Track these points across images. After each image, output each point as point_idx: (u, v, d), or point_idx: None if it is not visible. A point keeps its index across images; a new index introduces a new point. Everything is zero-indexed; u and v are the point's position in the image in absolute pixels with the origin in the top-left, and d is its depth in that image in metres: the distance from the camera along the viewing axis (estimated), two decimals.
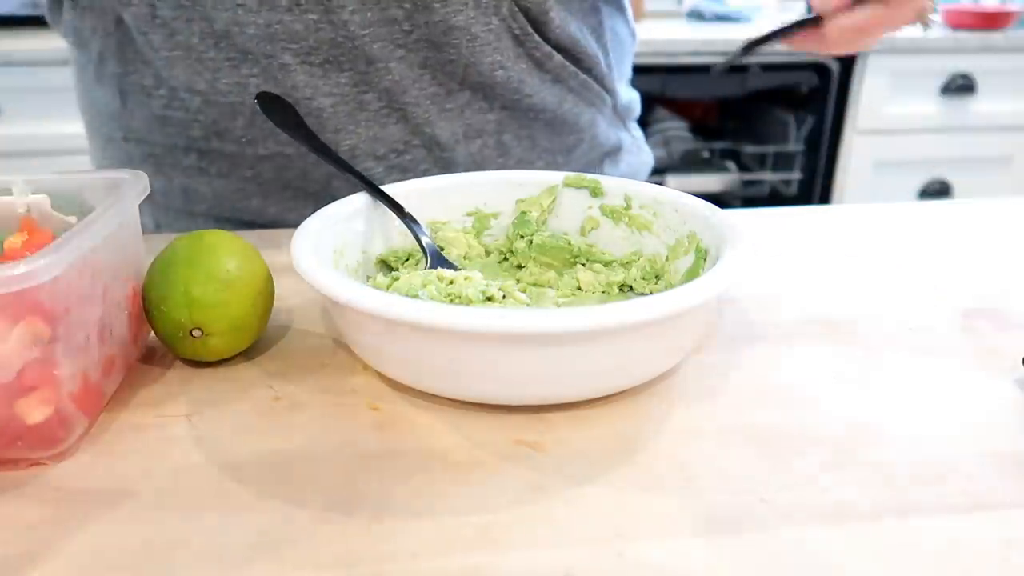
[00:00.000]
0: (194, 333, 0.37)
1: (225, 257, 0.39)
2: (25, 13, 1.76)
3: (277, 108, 0.50)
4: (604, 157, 0.68)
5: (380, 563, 0.28)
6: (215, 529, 0.29)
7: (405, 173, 0.59)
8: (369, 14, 0.52)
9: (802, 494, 0.31)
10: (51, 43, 1.57)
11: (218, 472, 0.32)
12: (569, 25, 0.58)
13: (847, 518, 0.30)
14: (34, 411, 0.31)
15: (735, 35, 1.75)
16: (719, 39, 1.72)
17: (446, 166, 0.60)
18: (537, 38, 0.57)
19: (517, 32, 0.56)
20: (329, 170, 0.58)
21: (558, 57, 0.59)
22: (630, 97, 0.70)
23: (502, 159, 0.61)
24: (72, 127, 1.60)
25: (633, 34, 0.69)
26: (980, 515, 0.30)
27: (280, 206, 0.61)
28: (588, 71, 0.61)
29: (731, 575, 0.28)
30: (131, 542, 0.29)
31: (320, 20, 0.52)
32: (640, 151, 0.72)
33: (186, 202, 0.62)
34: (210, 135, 0.58)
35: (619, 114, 0.68)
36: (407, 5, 0.53)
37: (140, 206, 0.64)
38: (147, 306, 0.38)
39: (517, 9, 0.55)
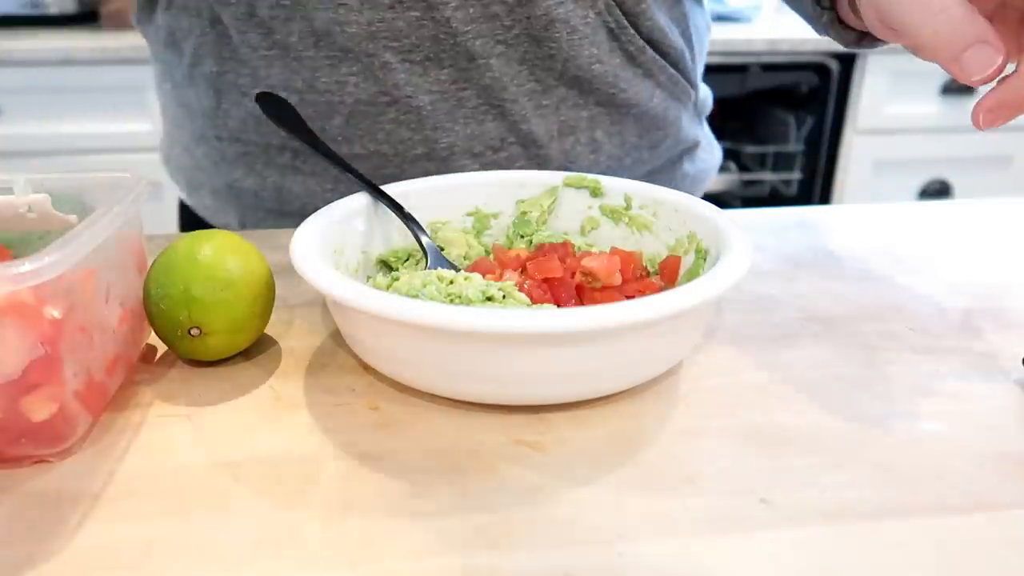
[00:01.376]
0: (192, 332, 0.37)
1: (225, 257, 0.39)
2: (25, 13, 1.76)
3: (277, 108, 0.50)
4: (683, 154, 0.68)
5: (380, 563, 0.28)
6: (215, 529, 0.29)
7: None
8: (471, 10, 0.53)
9: (802, 494, 0.31)
10: (51, 43, 1.57)
11: (218, 472, 0.32)
12: (659, 18, 0.59)
13: (847, 518, 0.30)
14: (39, 408, 0.31)
15: (735, 35, 1.75)
16: (719, 39, 1.72)
17: (541, 163, 0.60)
18: (631, 31, 0.57)
19: (612, 25, 0.56)
20: (424, 168, 0.58)
21: (650, 51, 0.59)
22: (705, 92, 0.70)
23: (593, 155, 0.61)
24: (72, 127, 1.62)
25: (708, 27, 0.69)
26: (980, 515, 0.30)
27: None
28: (675, 65, 0.62)
29: (731, 575, 0.28)
30: (131, 542, 0.29)
31: (422, 17, 0.52)
32: (712, 148, 0.73)
33: (278, 202, 0.62)
34: None
35: (698, 110, 0.68)
36: (509, 0, 0.53)
37: (226, 205, 0.65)
38: (147, 305, 0.38)
39: (612, 2, 0.56)
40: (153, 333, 0.40)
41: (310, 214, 0.62)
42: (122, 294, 0.38)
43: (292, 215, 0.62)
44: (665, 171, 0.67)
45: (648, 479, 0.32)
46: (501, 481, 0.32)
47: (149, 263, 0.40)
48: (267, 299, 0.40)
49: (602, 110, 0.60)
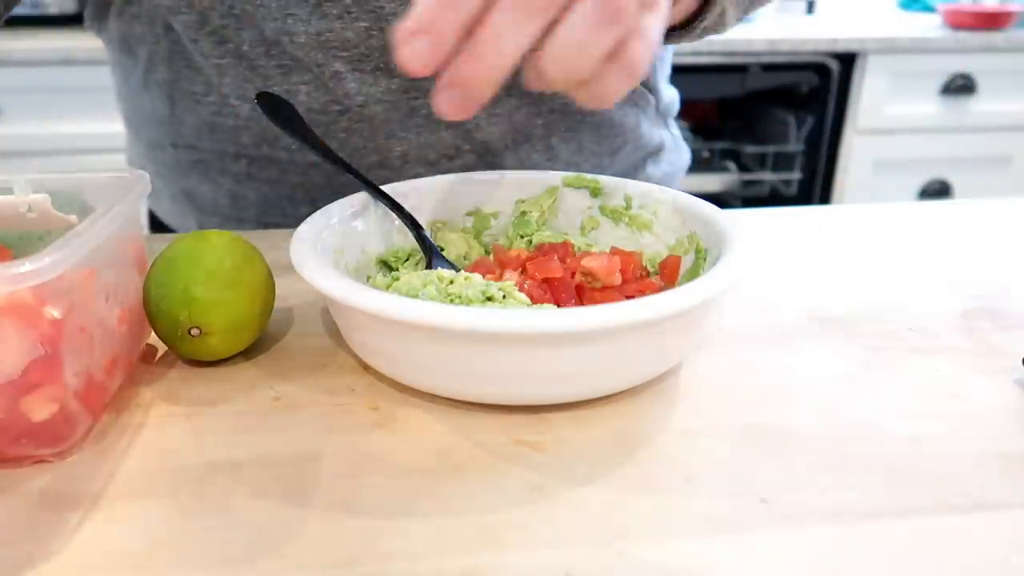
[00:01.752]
0: (192, 332, 0.37)
1: (226, 257, 0.39)
2: (25, 13, 1.76)
3: (278, 108, 0.50)
4: (647, 158, 0.68)
5: (380, 563, 0.28)
6: (215, 529, 0.29)
7: None
8: None
9: (802, 494, 0.31)
10: (51, 43, 1.57)
11: (218, 472, 0.32)
12: None
13: (847, 518, 0.30)
14: (39, 408, 0.31)
15: (735, 35, 1.74)
16: (719, 39, 1.71)
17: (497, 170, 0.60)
18: None
19: None
20: (379, 176, 0.58)
21: None
22: (671, 95, 0.70)
23: (550, 163, 0.61)
24: (72, 127, 1.61)
25: None
26: (980, 515, 0.30)
27: None
28: None
29: (731, 575, 0.28)
30: (131, 542, 0.29)
31: (371, 27, 0.53)
32: (680, 150, 0.72)
33: (234, 208, 0.63)
34: (260, 142, 0.58)
35: (661, 113, 0.68)
36: None
37: (184, 210, 0.65)
38: (147, 305, 0.38)
39: None
40: (153, 333, 0.40)
41: (266, 221, 0.61)
42: (122, 294, 0.38)
43: (249, 222, 0.63)
44: (628, 176, 0.67)
45: (648, 479, 0.32)
46: (501, 481, 0.32)
47: (149, 262, 0.40)
48: (267, 299, 0.40)
49: (557, 117, 0.60)
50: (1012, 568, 0.28)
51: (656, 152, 0.69)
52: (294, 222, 0.61)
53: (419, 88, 0.55)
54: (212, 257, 0.38)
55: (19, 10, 1.76)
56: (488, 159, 0.59)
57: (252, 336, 0.40)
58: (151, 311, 0.38)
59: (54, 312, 0.31)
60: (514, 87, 0.57)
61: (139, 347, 0.41)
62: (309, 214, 0.60)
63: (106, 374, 0.36)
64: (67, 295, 0.32)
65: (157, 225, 0.72)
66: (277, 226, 0.62)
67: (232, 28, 0.53)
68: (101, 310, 0.35)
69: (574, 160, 0.62)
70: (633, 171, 0.67)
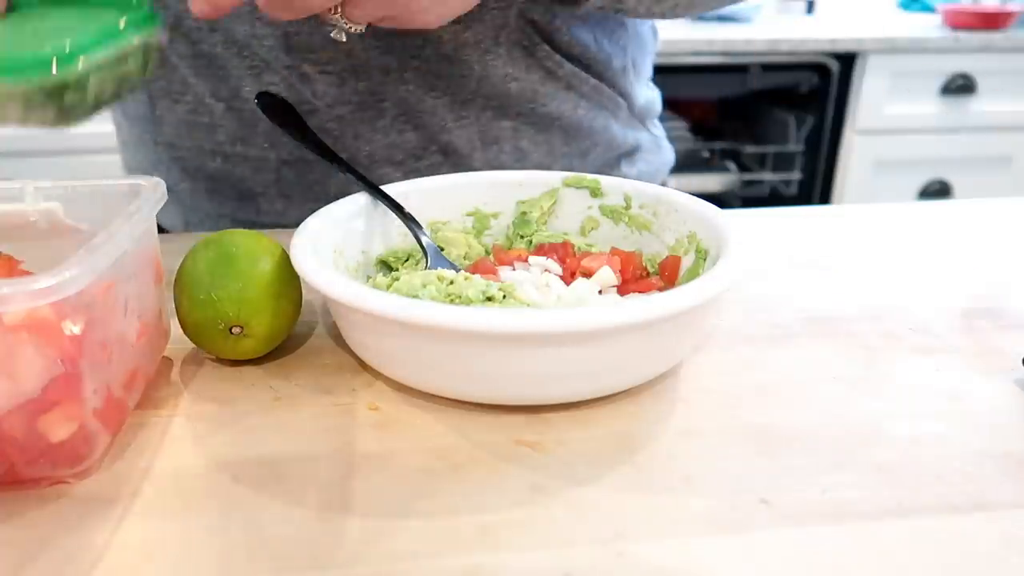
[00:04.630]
0: (233, 331, 0.38)
1: (283, 265, 0.39)
2: None
3: (278, 109, 0.50)
4: (620, 158, 0.68)
5: (380, 563, 0.28)
6: (215, 529, 0.29)
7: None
8: (383, 29, 0.53)
9: (802, 494, 0.31)
10: None
11: (218, 472, 0.32)
12: (579, 32, 0.58)
13: (847, 518, 0.30)
14: (58, 428, 0.30)
15: (735, 35, 1.75)
16: (719, 39, 1.72)
17: (465, 171, 0.60)
18: (547, 48, 0.57)
19: (526, 43, 0.57)
20: (348, 176, 0.58)
21: (568, 65, 0.59)
22: (648, 97, 0.70)
23: (519, 164, 0.61)
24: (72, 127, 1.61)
25: (655, 31, 0.69)
26: (980, 515, 0.30)
27: (302, 209, 0.61)
28: (599, 76, 0.62)
29: (731, 575, 0.28)
30: (131, 542, 0.29)
31: None
32: (660, 150, 0.73)
33: (212, 204, 0.64)
34: (234, 140, 0.59)
35: (636, 115, 0.68)
36: None
37: (171, 207, 0.65)
38: (187, 291, 0.38)
39: (524, 22, 0.56)
40: (168, 346, 0.40)
41: (244, 218, 0.62)
42: (139, 307, 0.36)
43: (227, 218, 0.64)
44: (603, 175, 0.67)
45: (648, 479, 0.32)
46: (501, 481, 0.32)
47: (168, 269, 0.39)
48: (298, 313, 0.41)
49: (524, 120, 0.60)
50: (1012, 568, 0.28)
51: (631, 152, 0.69)
52: (268, 219, 0.62)
53: (383, 92, 0.56)
54: (273, 263, 0.39)
55: None
56: (455, 159, 0.60)
57: (274, 346, 0.40)
58: (191, 299, 0.38)
59: (73, 328, 0.29)
60: (478, 94, 0.58)
61: (156, 361, 0.39)
62: (283, 211, 0.60)
63: (125, 390, 0.34)
64: (87, 310, 0.30)
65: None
66: (252, 223, 0.63)
67: (204, 31, 0.55)
68: (120, 324, 0.34)
69: (544, 162, 0.62)
70: (607, 170, 0.67)
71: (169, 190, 0.63)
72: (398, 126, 0.58)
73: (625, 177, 0.67)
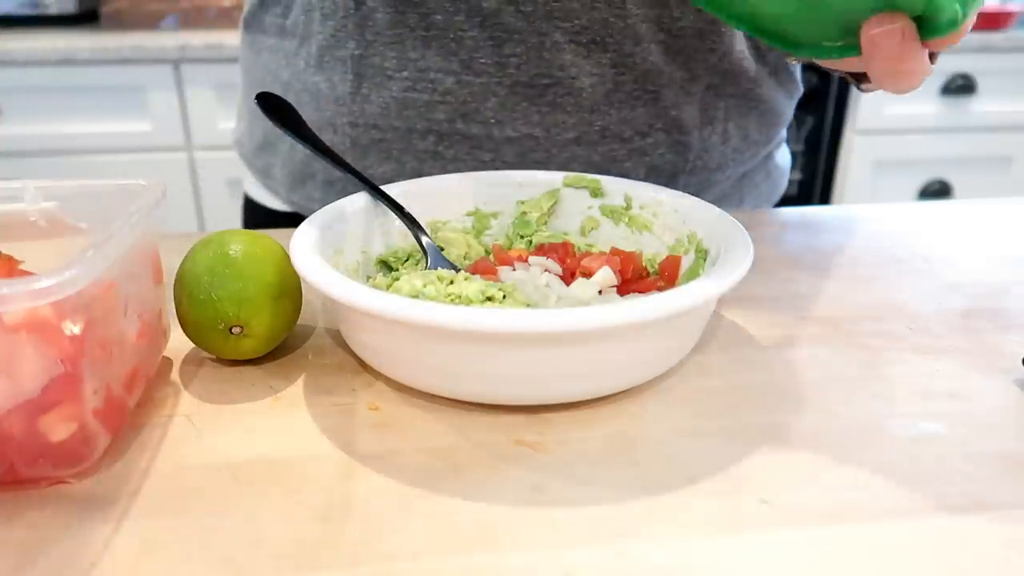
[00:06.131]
0: (233, 330, 0.38)
1: (284, 265, 0.39)
2: (25, 13, 1.76)
3: (277, 108, 0.50)
4: (780, 143, 0.71)
5: (380, 563, 0.28)
6: (215, 529, 0.29)
7: (643, 157, 0.60)
8: None
9: (802, 494, 0.31)
10: (51, 43, 1.57)
11: (218, 472, 0.32)
12: None
13: (847, 518, 0.30)
14: (58, 428, 0.30)
15: None
16: None
17: (680, 151, 0.61)
18: None
19: None
20: (572, 152, 0.58)
21: (775, 52, 0.61)
22: None
23: (723, 146, 0.63)
24: (72, 127, 1.61)
25: None
26: (980, 515, 0.30)
27: None
28: (788, 67, 0.64)
29: (731, 575, 0.28)
30: (131, 542, 0.29)
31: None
32: (785, 148, 0.76)
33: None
34: (455, 117, 0.57)
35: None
36: None
37: (339, 197, 0.58)
38: (188, 289, 0.38)
39: None
40: (168, 346, 0.40)
41: None
42: (140, 306, 0.36)
43: None
44: (768, 158, 0.71)
45: (648, 479, 0.32)
46: (501, 481, 0.32)
47: (168, 268, 0.39)
48: (297, 314, 0.41)
49: (735, 103, 0.61)
50: (1012, 568, 0.28)
51: (781, 142, 0.73)
52: None
53: (627, 64, 0.56)
54: (273, 263, 0.39)
55: (19, 10, 1.76)
56: (676, 137, 0.60)
57: (275, 345, 0.40)
58: (191, 297, 0.38)
59: (74, 328, 0.30)
60: (712, 70, 0.58)
61: (156, 361, 0.39)
62: None
63: (125, 390, 0.34)
64: (87, 310, 0.30)
65: (264, 220, 0.70)
66: None
67: (444, 1, 0.53)
68: (120, 324, 0.34)
69: (740, 147, 0.64)
70: (768, 163, 0.71)
71: (333, 181, 0.61)
72: (631, 100, 0.57)
73: (777, 166, 0.72)
